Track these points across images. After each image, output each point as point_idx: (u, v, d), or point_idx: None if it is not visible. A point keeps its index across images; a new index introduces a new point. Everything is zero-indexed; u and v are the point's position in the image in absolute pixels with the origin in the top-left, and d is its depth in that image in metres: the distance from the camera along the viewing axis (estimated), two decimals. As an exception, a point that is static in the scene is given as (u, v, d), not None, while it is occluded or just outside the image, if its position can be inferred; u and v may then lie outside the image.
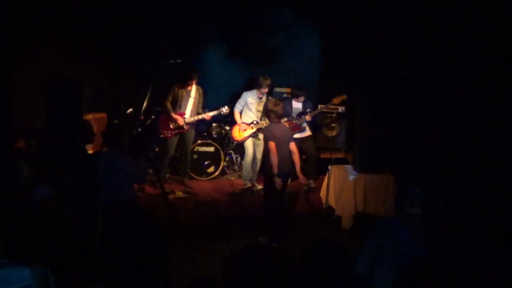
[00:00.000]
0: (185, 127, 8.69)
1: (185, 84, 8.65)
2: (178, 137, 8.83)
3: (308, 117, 8.94)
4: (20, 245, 2.75)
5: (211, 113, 8.86)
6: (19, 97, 6.57)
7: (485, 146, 5.98)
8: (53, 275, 2.83)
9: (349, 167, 8.45)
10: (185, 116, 8.69)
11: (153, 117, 9.07)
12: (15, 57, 6.98)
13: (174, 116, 8.61)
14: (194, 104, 8.79)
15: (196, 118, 8.76)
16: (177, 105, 8.70)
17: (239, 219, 8.00)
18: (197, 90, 8.84)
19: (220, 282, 2.75)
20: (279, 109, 7.08)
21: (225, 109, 8.91)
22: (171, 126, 8.69)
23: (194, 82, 8.69)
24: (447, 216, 4.25)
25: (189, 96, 8.74)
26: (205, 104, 9.27)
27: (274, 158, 6.88)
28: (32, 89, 7.72)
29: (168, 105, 8.64)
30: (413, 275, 2.66)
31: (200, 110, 8.93)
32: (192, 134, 8.96)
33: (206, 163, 9.48)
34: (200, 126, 9.74)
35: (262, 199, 7.50)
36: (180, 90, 8.68)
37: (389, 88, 8.29)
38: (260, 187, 8.97)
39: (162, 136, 8.80)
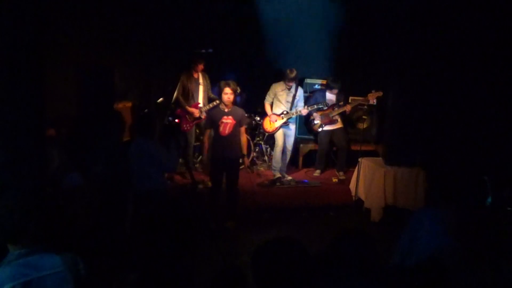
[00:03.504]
0: (202, 116, 8.68)
1: (192, 72, 8.63)
2: (195, 126, 8.87)
3: (348, 108, 8.91)
4: (51, 232, 2.75)
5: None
6: (50, 84, 6.59)
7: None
8: (83, 263, 2.83)
9: (379, 159, 8.35)
10: (200, 105, 8.67)
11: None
12: (47, 43, 7.00)
13: (190, 109, 8.60)
14: (204, 91, 8.83)
15: (212, 105, 8.73)
16: (189, 96, 8.69)
17: (269, 210, 7.97)
18: (203, 76, 8.84)
19: (249, 273, 2.72)
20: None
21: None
22: (188, 119, 8.68)
23: (200, 68, 8.67)
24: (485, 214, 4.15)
25: (198, 84, 8.74)
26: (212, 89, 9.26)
27: None
28: (64, 77, 7.75)
29: (181, 98, 8.63)
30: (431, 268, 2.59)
31: (211, 95, 8.92)
32: None
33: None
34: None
35: None
36: (188, 80, 8.65)
37: (423, 79, 8.14)
38: (289, 177, 8.94)
39: (181, 129, 8.78)
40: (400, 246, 4.22)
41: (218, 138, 6.96)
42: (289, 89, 8.80)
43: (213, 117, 7.04)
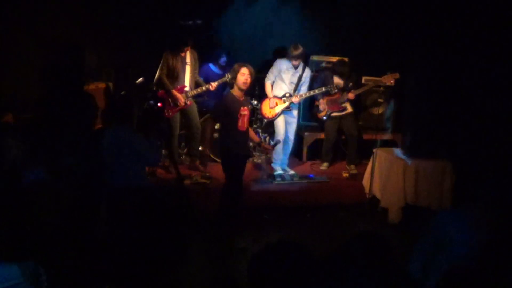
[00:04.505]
0: (188, 102, 8.62)
1: (179, 51, 8.57)
2: (179, 113, 8.79)
3: (351, 95, 8.85)
4: (9, 237, 2.71)
5: (216, 83, 8.75)
6: (9, 62, 6.53)
7: None
8: (47, 273, 2.79)
9: (397, 150, 8.34)
10: (186, 89, 8.61)
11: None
12: (5, 15, 6.95)
13: (175, 93, 8.52)
14: (191, 71, 8.73)
15: (199, 90, 8.68)
16: (174, 77, 8.61)
17: (268, 209, 7.95)
18: (191, 54, 8.74)
19: (245, 283, 2.70)
20: None
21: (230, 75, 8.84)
22: (171, 104, 8.61)
23: (188, 48, 8.61)
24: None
25: (184, 63, 8.65)
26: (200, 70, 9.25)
27: None
28: (26, 54, 7.69)
29: (165, 78, 8.54)
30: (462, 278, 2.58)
31: (198, 77, 8.90)
32: (194, 106, 8.91)
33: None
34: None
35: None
36: (174, 58, 8.58)
37: (450, 55, 8.11)
38: (292, 172, 8.91)
39: (163, 115, 8.71)
40: (420, 252, 4.20)
41: (236, 133, 6.84)
42: (295, 68, 8.74)
43: (230, 108, 6.81)
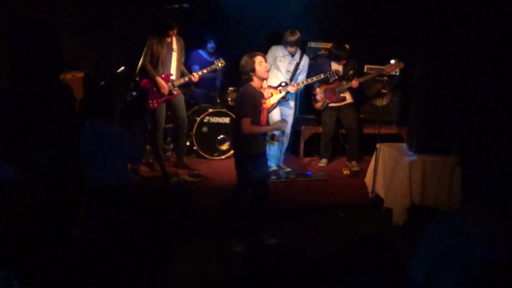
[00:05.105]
0: (174, 92, 8.62)
1: (164, 36, 8.57)
2: (165, 104, 8.81)
3: (355, 83, 8.86)
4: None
5: (204, 70, 8.77)
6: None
7: None
8: (19, 280, 2.79)
9: (403, 145, 8.37)
10: (172, 77, 8.61)
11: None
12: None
13: (160, 81, 8.51)
14: (178, 59, 8.76)
15: (187, 78, 8.71)
16: (159, 64, 8.60)
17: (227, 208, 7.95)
18: (178, 41, 8.77)
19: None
20: None
21: (220, 63, 8.82)
22: (156, 93, 8.60)
23: (174, 32, 8.61)
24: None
25: (171, 50, 8.66)
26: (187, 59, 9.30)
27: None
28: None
29: (149, 66, 8.53)
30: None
31: (182, 67, 8.94)
32: (181, 97, 8.94)
33: (219, 137, 9.47)
34: (211, 90, 9.70)
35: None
36: (159, 44, 8.57)
37: (461, 42, 8.12)
38: (288, 169, 8.92)
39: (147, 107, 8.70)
40: (422, 256, 4.21)
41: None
42: (292, 56, 8.75)
43: (257, 102, 6.76)
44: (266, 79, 6.84)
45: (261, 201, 6.90)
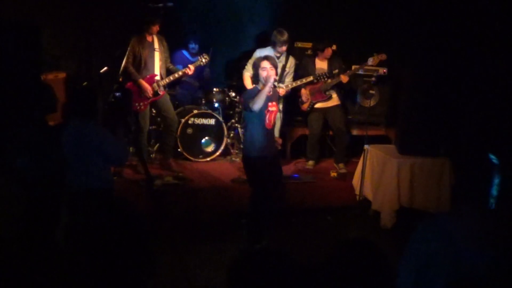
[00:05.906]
0: (160, 92, 8.61)
1: (145, 34, 8.53)
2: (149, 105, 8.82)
3: (344, 78, 8.84)
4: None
5: (193, 66, 8.77)
6: None
7: None
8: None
9: (391, 147, 8.38)
10: (157, 77, 8.59)
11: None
12: None
13: (143, 83, 8.49)
14: (161, 58, 8.75)
15: (172, 78, 8.70)
16: (142, 65, 8.58)
17: (248, 213, 7.94)
18: (159, 40, 8.78)
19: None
20: None
21: (204, 58, 8.80)
22: (141, 96, 8.57)
23: (156, 30, 8.58)
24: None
25: (153, 49, 8.65)
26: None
27: None
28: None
29: (131, 68, 8.50)
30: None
31: (170, 65, 8.93)
32: (168, 97, 8.96)
33: (204, 140, 9.43)
34: (196, 91, 9.69)
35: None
36: (140, 44, 8.54)
37: (448, 43, 8.15)
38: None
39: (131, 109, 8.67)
40: (411, 260, 4.21)
41: (262, 132, 6.74)
42: (278, 58, 8.73)
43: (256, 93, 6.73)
44: (267, 84, 6.74)
45: (262, 203, 6.92)
